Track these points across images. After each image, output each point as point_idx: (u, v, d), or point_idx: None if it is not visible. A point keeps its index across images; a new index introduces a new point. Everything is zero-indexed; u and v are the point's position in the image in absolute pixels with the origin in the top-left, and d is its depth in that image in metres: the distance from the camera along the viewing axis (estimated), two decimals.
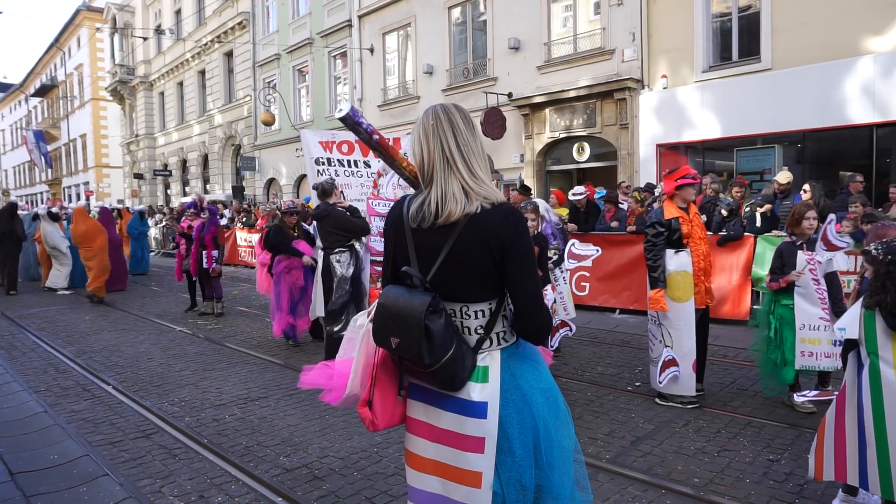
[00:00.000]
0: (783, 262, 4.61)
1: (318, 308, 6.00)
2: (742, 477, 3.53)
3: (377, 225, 6.23)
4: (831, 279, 4.53)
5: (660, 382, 4.68)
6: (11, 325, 8.51)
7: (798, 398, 4.61)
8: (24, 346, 7.29)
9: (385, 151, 1.98)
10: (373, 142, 1.96)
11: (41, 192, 46.78)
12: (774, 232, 7.31)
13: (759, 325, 4.87)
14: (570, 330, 5.90)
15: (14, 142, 53.56)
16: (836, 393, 3.00)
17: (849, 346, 2.96)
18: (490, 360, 1.77)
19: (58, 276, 11.89)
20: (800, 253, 4.53)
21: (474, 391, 1.75)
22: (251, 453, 3.98)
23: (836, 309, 4.40)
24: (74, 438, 4.22)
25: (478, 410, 1.74)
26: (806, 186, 7.30)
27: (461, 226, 1.71)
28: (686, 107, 11.50)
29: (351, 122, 1.95)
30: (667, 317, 4.69)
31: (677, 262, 4.69)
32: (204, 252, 8.70)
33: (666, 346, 4.69)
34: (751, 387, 5.22)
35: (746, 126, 10.70)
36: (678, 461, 3.76)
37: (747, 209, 7.77)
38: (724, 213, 7.68)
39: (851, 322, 2.89)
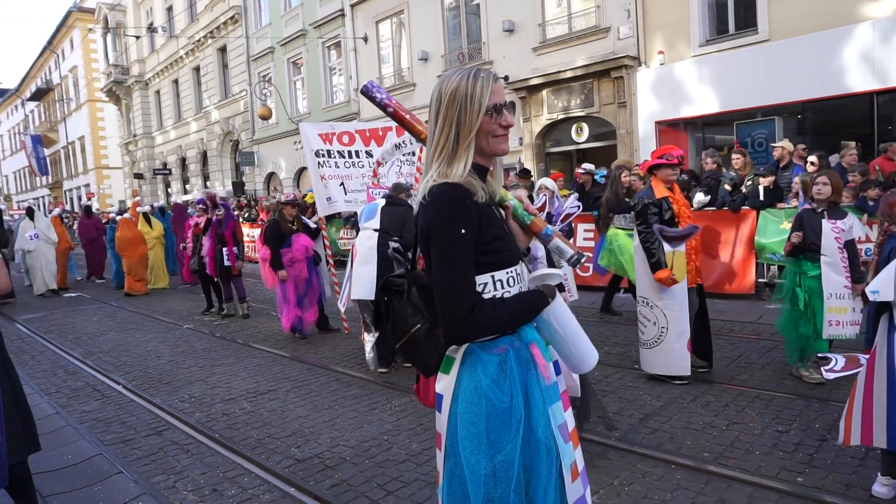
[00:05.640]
0: (802, 227, 4.58)
1: (357, 291, 5.44)
2: (751, 449, 3.54)
3: None
4: (850, 246, 4.51)
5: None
6: (20, 329, 8.56)
7: (827, 374, 4.56)
8: (33, 349, 7.33)
9: (402, 122, 1.97)
10: (387, 112, 1.96)
11: (42, 197, 46.84)
12: (780, 205, 7.27)
13: (784, 300, 4.79)
14: (570, 295, 5.45)
15: (13, 147, 53.55)
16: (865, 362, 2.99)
17: (881, 309, 2.92)
18: (457, 351, 1.67)
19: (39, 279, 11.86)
20: (824, 222, 4.50)
21: (439, 382, 1.70)
22: (262, 446, 4.01)
23: (855, 275, 4.41)
24: (87, 438, 4.26)
25: (437, 402, 1.71)
26: (813, 158, 7.24)
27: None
28: (684, 82, 11.41)
29: (367, 95, 1.98)
30: (661, 298, 4.66)
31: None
32: (224, 249, 8.18)
33: (662, 328, 4.67)
34: (758, 360, 5.23)
35: (745, 99, 10.62)
36: (687, 436, 3.78)
37: (748, 182, 7.72)
38: (728, 187, 7.64)
39: (884, 285, 2.85)
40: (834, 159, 7.96)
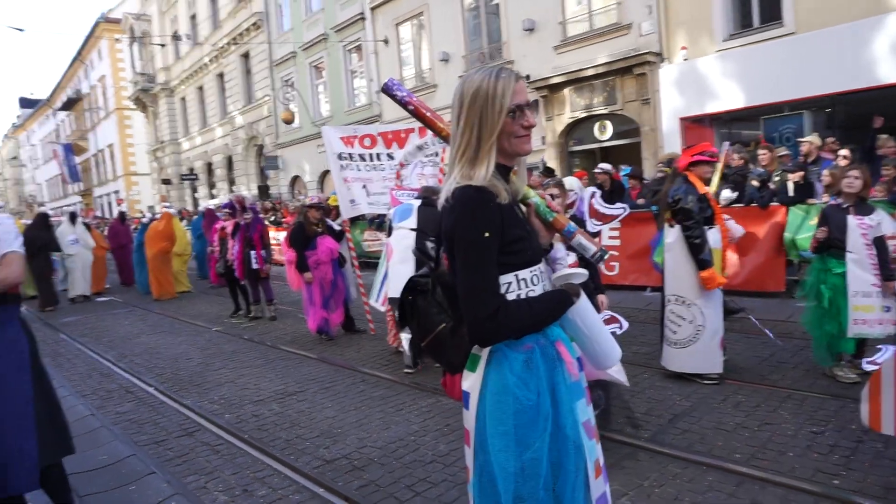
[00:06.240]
0: (827, 223, 4.49)
1: (396, 289, 5.36)
2: (785, 451, 3.48)
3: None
4: (879, 243, 4.40)
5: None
6: (55, 334, 8.77)
7: (866, 365, 4.46)
8: (68, 352, 7.51)
9: (423, 119, 1.98)
10: (408, 110, 1.98)
11: (74, 204, 47.92)
12: (810, 201, 7.12)
13: (808, 297, 4.71)
14: (621, 327, 4.73)
15: (45, 156, 54.89)
16: None
17: None
18: (482, 350, 1.68)
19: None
20: (849, 218, 4.41)
21: (466, 380, 1.71)
22: (291, 446, 4.06)
23: (886, 273, 4.30)
24: (121, 439, 4.35)
25: (465, 400, 1.71)
26: (845, 151, 7.08)
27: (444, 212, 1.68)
28: (708, 77, 11.25)
29: (388, 93, 1.99)
30: (700, 295, 4.60)
31: (710, 238, 4.61)
32: (252, 252, 8.27)
33: (699, 326, 4.61)
34: (790, 359, 5.13)
35: (772, 93, 10.42)
36: (718, 437, 3.72)
37: (776, 178, 7.58)
38: (756, 183, 7.51)
39: None
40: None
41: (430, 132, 6.45)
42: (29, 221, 13.34)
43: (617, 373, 3.43)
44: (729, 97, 11.00)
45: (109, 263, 14.72)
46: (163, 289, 11.58)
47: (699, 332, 4.62)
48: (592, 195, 4.47)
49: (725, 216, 5.65)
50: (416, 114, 1.98)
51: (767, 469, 3.27)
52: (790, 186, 7.25)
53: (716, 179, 6.06)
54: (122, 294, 12.75)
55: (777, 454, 3.45)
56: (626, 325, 3.99)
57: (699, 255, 4.52)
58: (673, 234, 4.73)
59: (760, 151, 8.12)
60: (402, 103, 1.98)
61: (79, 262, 11.89)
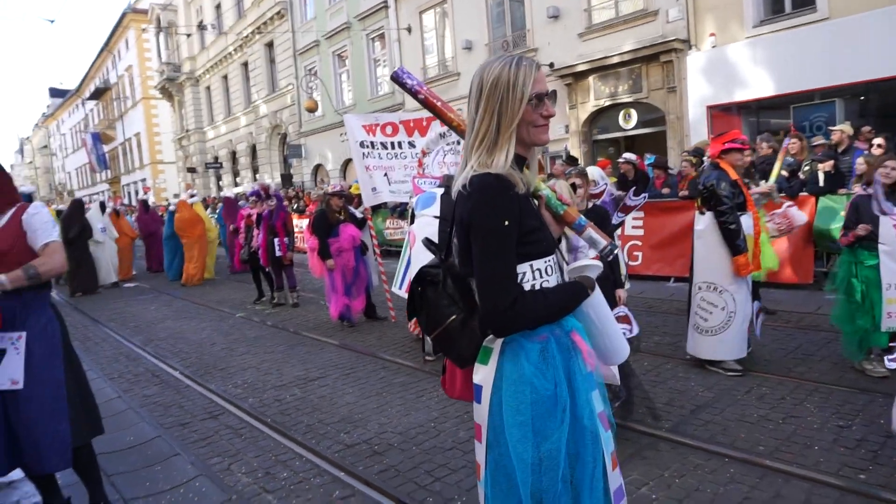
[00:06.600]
0: (858, 216, 4.38)
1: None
2: (810, 444, 3.42)
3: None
4: None
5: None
6: (84, 318, 8.97)
7: (889, 363, 4.36)
8: (96, 336, 7.68)
9: (433, 109, 1.97)
10: (418, 99, 1.96)
11: (102, 191, 48.85)
12: (841, 191, 6.95)
13: (839, 290, 4.60)
14: (631, 330, 4.05)
15: (74, 145, 55.98)
16: None
17: None
18: (495, 341, 1.66)
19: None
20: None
21: (477, 373, 1.68)
22: (313, 431, 4.10)
23: None
24: (147, 421, 4.44)
25: (476, 394, 1.69)
26: (879, 140, 6.88)
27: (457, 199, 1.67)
28: (737, 65, 11.01)
29: (397, 81, 1.98)
30: (733, 281, 4.58)
31: (743, 225, 4.57)
32: (276, 240, 8.38)
33: (731, 313, 4.58)
34: (816, 352, 5.04)
35: (803, 81, 10.17)
36: (741, 429, 3.67)
37: (806, 167, 7.41)
38: (786, 173, 7.35)
39: None
40: None
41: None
42: (60, 208, 13.62)
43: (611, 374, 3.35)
44: (758, 85, 10.76)
45: (138, 250, 15.01)
46: (193, 275, 11.71)
47: (731, 319, 4.60)
48: (629, 194, 4.44)
49: (787, 203, 5.56)
50: (426, 103, 1.97)
51: (791, 462, 3.22)
52: (820, 176, 7.07)
53: (776, 169, 5.97)
54: (149, 280, 12.97)
55: (802, 447, 3.39)
56: (636, 329, 3.91)
57: (734, 241, 4.50)
58: (703, 222, 4.70)
59: (791, 140, 7.93)
60: (412, 92, 1.97)
61: (107, 250, 12.12)
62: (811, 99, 10.46)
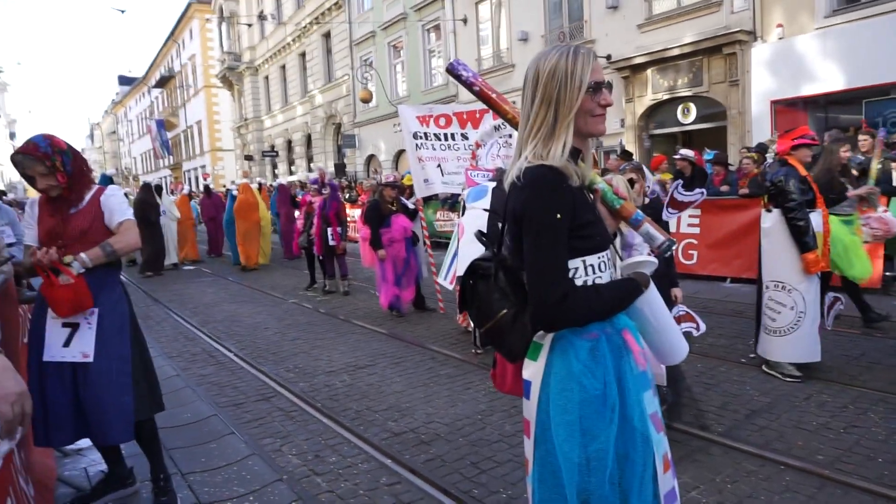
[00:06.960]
0: None
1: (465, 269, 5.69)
2: (873, 456, 3.27)
3: None
4: None
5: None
6: (146, 298, 9.37)
7: None
8: (157, 316, 8.01)
9: (488, 101, 1.96)
10: (473, 91, 1.96)
11: (165, 177, 50.77)
12: None
13: None
14: (697, 328, 4.05)
15: (140, 131, 58.31)
16: None
17: None
18: (545, 337, 1.63)
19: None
20: None
21: (526, 369, 1.66)
22: (361, 417, 4.18)
23: None
24: (204, 400, 4.62)
25: (525, 389, 1.67)
26: None
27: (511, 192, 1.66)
28: (805, 57, 10.53)
29: (453, 73, 1.97)
30: (802, 280, 4.43)
31: (812, 223, 4.42)
32: (329, 229, 8.51)
33: (800, 312, 4.44)
34: (883, 360, 4.80)
35: (877, 75, 9.65)
36: (798, 437, 3.55)
37: (879, 165, 7.01)
38: (856, 172, 6.99)
39: None
40: None
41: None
42: (126, 191, 14.20)
43: (660, 374, 3.29)
44: (828, 79, 10.27)
45: (201, 235, 15.55)
46: (251, 256, 12.08)
47: (800, 319, 4.45)
48: (675, 187, 4.33)
49: (882, 207, 5.34)
50: (482, 95, 1.95)
51: (852, 474, 3.09)
52: (894, 175, 6.70)
53: (874, 165, 5.73)
54: (209, 264, 13.43)
55: (864, 459, 3.25)
56: (703, 327, 3.82)
57: (803, 238, 4.37)
58: (771, 219, 4.57)
59: (861, 137, 7.54)
60: (468, 84, 1.96)
61: (166, 234, 12.60)
62: (886, 93, 9.91)
